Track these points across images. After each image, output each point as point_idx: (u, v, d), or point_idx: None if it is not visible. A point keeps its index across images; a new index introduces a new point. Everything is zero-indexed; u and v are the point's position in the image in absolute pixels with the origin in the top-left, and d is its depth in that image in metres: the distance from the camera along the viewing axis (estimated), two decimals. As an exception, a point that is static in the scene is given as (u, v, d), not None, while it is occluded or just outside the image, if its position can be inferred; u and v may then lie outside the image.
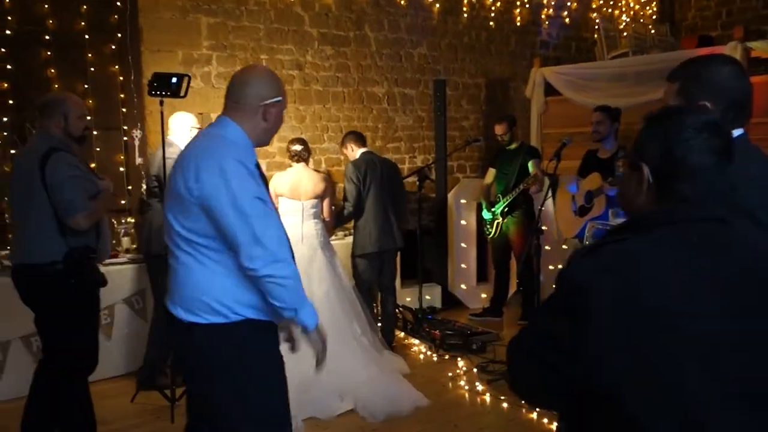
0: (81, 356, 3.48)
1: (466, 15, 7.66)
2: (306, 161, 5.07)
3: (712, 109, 1.82)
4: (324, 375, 4.42)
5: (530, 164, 6.10)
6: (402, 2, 7.13)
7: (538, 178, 5.92)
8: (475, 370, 5.03)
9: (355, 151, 5.51)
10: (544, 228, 5.04)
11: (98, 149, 5.46)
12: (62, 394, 3.47)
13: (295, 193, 4.92)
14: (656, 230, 1.35)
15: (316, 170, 5.38)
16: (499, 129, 6.24)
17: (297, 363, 4.41)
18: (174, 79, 4.22)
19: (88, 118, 3.63)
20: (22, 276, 3.42)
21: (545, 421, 4.15)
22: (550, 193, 5.14)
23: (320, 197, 4.99)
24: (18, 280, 3.44)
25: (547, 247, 6.20)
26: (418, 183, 5.96)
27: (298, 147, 5.01)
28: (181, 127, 4.76)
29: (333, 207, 5.19)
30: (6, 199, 4.18)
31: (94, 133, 5.40)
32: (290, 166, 6.21)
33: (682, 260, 1.30)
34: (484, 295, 6.86)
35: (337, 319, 4.71)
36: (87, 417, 3.63)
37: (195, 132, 4.79)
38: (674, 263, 1.29)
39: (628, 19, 8.67)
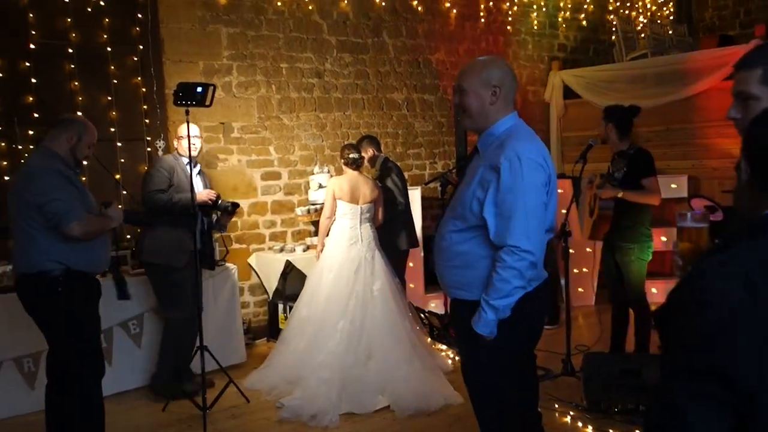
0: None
1: (483, 20, 7.66)
2: (360, 168, 5.28)
3: None
4: (370, 371, 4.62)
5: None
6: (419, 8, 7.13)
7: None
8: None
9: (374, 156, 5.77)
10: (570, 230, 4.97)
11: (123, 160, 5.49)
12: (71, 404, 3.51)
13: (353, 197, 5.12)
14: None
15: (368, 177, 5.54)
16: None
17: (342, 360, 4.59)
18: (199, 89, 4.24)
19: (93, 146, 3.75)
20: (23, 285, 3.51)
21: (589, 428, 4.10)
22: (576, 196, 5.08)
23: (374, 202, 5.24)
24: (20, 289, 3.53)
25: (571, 251, 6.15)
26: (440, 188, 5.95)
27: (355, 155, 5.24)
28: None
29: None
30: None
31: (118, 144, 5.45)
32: (311, 174, 6.30)
33: None
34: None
35: (392, 314, 4.94)
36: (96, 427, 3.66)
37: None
38: None
39: (645, 20, 8.63)
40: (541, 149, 2.54)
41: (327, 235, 5.22)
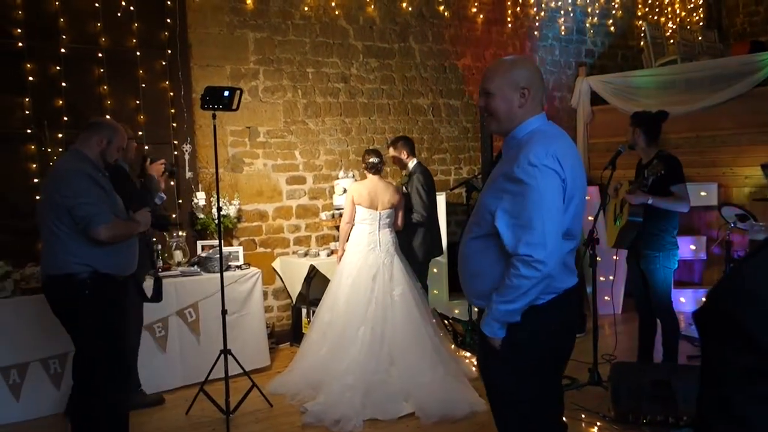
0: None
1: (510, 25, 7.62)
2: (380, 173, 5.24)
3: None
4: (392, 377, 4.61)
5: None
6: (446, 14, 7.11)
7: None
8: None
9: (407, 158, 5.68)
10: (597, 238, 4.90)
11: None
12: (97, 406, 3.52)
13: (372, 203, 5.10)
14: None
15: (389, 182, 5.49)
16: None
17: (364, 366, 4.57)
18: (226, 93, 4.26)
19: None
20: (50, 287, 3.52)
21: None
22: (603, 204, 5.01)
23: (395, 208, 5.19)
24: (47, 291, 3.55)
25: (598, 258, 6.07)
26: (465, 194, 5.90)
27: (375, 159, 5.20)
28: None
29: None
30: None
31: (146, 147, 5.49)
32: (336, 178, 6.30)
33: None
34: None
35: (414, 319, 4.91)
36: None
37: None
38: None
39: (674, 26, 8.52)
40: (558, 151, 2.36)
41: (347, 240, 5.21)
